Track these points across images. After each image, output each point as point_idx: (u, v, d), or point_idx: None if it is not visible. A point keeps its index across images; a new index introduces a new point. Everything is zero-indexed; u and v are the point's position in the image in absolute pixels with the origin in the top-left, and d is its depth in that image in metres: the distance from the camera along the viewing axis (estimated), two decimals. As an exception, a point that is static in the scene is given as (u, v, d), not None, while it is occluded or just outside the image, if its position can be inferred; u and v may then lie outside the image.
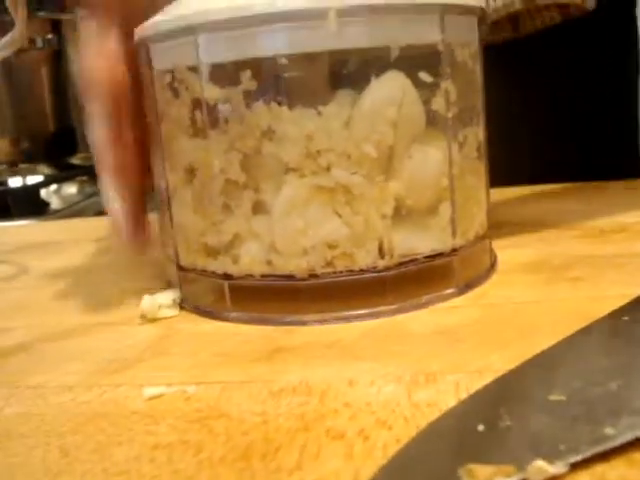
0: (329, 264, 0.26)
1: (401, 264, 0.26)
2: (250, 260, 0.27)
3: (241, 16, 0.24)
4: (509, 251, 0.33)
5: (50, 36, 1.10)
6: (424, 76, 0.26)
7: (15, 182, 1.05)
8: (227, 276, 0.27)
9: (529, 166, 0.54)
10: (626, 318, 0.23)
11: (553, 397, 0.18)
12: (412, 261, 0.27)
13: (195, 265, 0.29)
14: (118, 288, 0.34)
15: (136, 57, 0.30)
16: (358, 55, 0.25)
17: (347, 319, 0.26)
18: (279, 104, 0.25)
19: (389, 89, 0.25)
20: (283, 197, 0.26)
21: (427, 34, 0.26)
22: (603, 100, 0.55)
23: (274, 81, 0.25)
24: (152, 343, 0.26)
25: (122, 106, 0.30)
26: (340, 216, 0.26)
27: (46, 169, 1.11)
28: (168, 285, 0.32)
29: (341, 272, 0.26)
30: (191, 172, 0.28)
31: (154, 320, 0.29)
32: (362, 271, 0.26)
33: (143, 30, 0.27)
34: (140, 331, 0.28)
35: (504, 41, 0.49)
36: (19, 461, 0.18)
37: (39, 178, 1.04)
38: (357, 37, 0.25)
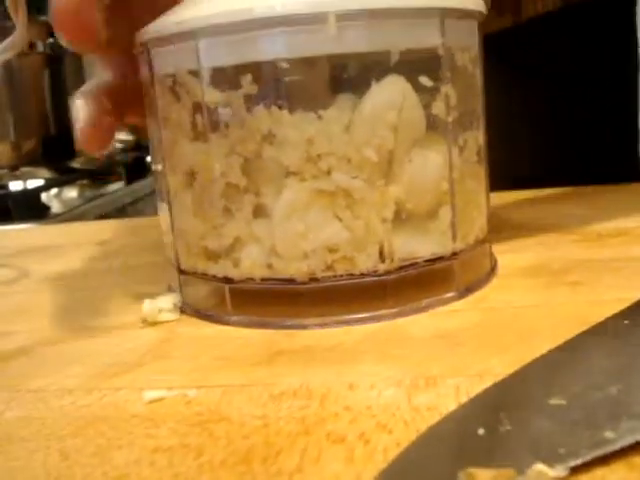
0: (329, 268, 0.26)
1: (401, 268, 0.27)
2: (251, 264, 0.27)
3: (241, 20, 0.24)
4: (509, 255, 0.33)
5: (51, 40, 1.10)
6: (424, 80, 0.26)
7: (16, 186, 1.06)
8: (228, 280, 0.27)
9: (529, 169, 0.54)
10: (626, 322, 0.23)
11: (553, 401, 0.18)
12: (412, 265, 0.27)
13: (195, 269, 0.29)
14: (119, 292, 0.34)
15: None
16: (358, 59, 0.25)
17: (347, 323, 0.26)
18: (280, 108, 0.25)
19: (389, 93, 0.25)
20: (284, 201, 0.26)
21: (427, 38, 0.26)
22: (603, 103, 0.55)
23: (275, 85, 0.25)
24: (152, 347, 0.26)
25: None
26: (340, 220, 0.26)
27: (47, 173, 1.11)
28: (169, 289, 0.32)
29: (341, 276, 0.26)
30: (192, 176, 0.28)
31: (155, 324, 0.29)
32: (362, 275, 0.26)
33: (144, 34, 0.28)
34: (140, 335, 0.28)
35: (505, 30, 0.49)
36: (20, 465, 0.18)
37: (40, 182, 1.05)
38: (357, 41, 0.25)
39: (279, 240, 0.26)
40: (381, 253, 0.26)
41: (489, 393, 0.19)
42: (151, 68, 0.28)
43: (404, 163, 0.26)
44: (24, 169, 1.09)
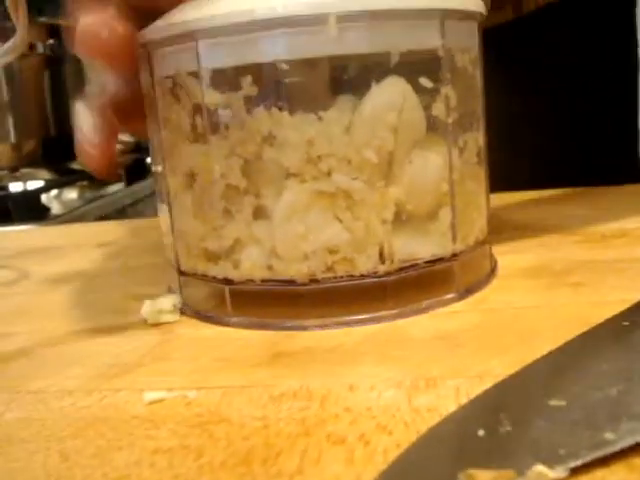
0: (330, 269, 0.26)
1: (401, 269, 0.27)
2: (251, 265, 0.27)
3: (241, 22, 0.24)
4: (509, 256, 0.33)
5: (51, 41, 1.10)
6: (424, 82, 0.26)
7: (16, 187, 1.06)
8: (228, 281, 0.27)
9: (529, 169, 0.54)
10: (626, 323, 0.23)
11: (553, 402, 0.18)
12: (412, 266, 0.27)
13: (196, 270, 0.29)
14: (119, 293, 0.34)
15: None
16: (358, 61, 0.25)
17: (348, 324, 0.26)
18: (280, 109, 0.25)
19: (390, 95, 0.25)
20: (284, 202, 0.26)
21: (427, 40, 0.26)
22: (603, 102, 0.55)
23: (275, 86, 0.25)
24: (152, 348, 0.26)
25: None
26: (341, 221, 0.26)
27: (47, 174, 1.11)
28: (169, 290, 0.32)
29: (342, 277, 0.26)
30: (192, 177, 0.28)
31: (155, 325, 0.29)
32: (363, 276, 0.26)
33: (144, 36, 0.28)
34: (140, 336, 0.28)
35: (506, 24, 0.49)
36: (20, 466, 0.18)
37: (40, 183, 1.05)
38: (357, 43, 0.25)
39: (279, 241, 0.26)
40: (381, 254, 0.26)
41: (489, 394, 0.19)
42: (151, 69, 0.28)
43: (404, 164, 0.26)
44: (24, 170, 1.09)
